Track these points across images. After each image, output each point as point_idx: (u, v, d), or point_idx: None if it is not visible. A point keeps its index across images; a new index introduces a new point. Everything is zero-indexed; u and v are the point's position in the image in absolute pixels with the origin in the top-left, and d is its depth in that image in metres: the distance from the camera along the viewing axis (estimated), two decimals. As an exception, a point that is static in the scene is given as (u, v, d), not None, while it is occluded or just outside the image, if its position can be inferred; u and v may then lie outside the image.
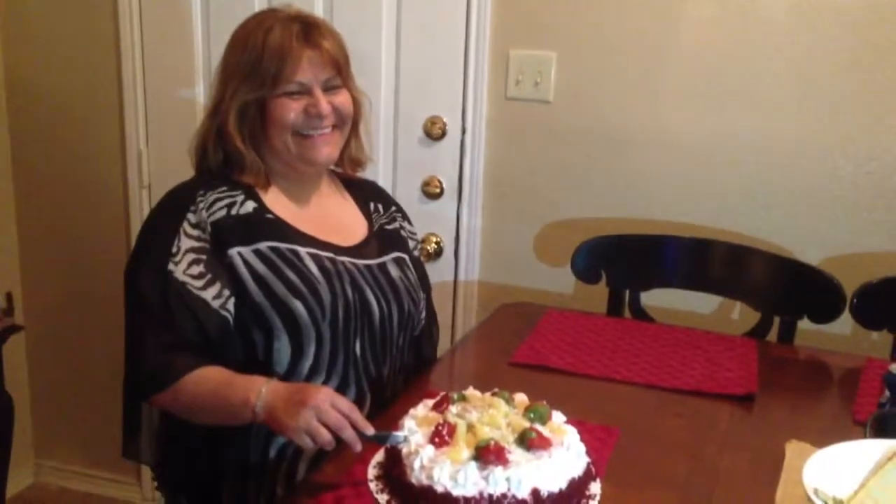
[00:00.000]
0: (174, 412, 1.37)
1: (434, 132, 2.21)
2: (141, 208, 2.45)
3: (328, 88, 1.44)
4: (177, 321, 1.32)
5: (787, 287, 1.89)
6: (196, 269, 1.35)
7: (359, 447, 1.18)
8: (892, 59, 1.89)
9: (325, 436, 1.17)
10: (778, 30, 1.95)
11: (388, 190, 1.97)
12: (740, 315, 2.04)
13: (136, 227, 2.43)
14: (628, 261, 2.01)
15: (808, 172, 1.99)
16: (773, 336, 1.87)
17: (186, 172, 1.51)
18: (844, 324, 1.82)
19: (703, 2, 1.99)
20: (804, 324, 1.85)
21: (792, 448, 1.30)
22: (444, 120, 2.21)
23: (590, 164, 2.14)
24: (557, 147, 2.15)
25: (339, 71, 1.45)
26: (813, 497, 1.04)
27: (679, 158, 2.07)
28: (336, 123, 1.46)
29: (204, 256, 1.36)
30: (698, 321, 1.97)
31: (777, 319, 1.87)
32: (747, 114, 2.01)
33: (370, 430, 1.19)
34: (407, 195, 2.21)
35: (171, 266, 1.34)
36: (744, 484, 1.24)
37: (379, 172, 2.21)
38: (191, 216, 1.38)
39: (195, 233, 1.37)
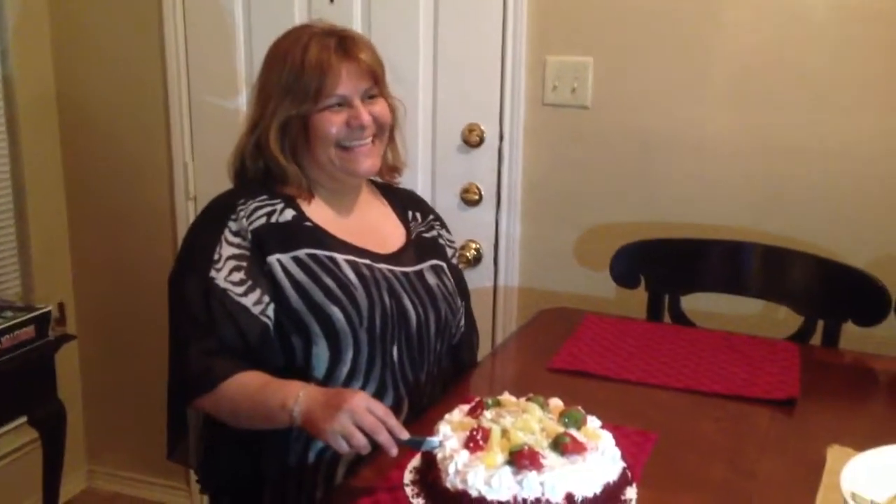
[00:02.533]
0: (216, 416, 1.40)
1: (472, 139, 2.23)
2: (187, 220, 2.51)
3: (366, 98, 1.46)
4: (218, 327, 1.35)
5: (830, 290, 1.85)
6: (237, 276, 1.38)
7: (394, 451, 1.20)
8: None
9: (361, 439, 1.19)
10: (818, 30, 1.93)
11: (427, 197, 1.99)
12: (783, 319, 2.01)
13: (182, 238, 2.49)
14: (667, 265, 2.00)
15: (850, 174, 1.96)
16: (816, 340, 1.84)
17: (231, 184, 1.55)
18: (891, 327, 1.78)
19: (741, 4, 1.97)
20: (850, 327, 1.81)
21: (833, 453, 1.28)
22: (482, 127, 2.22)
23: (628, 169, 2.13)
24: (595, 152, 2.15)
25: (376, 80, 1.48)
26: (850, 502, 1.02)
27: (718, 162, 2.05)
28: (376, 133, 1.48)
29: (244, 263, 1.39)
30: (740, 325, 1.94)
31: (821, 323, 1.84)
32: (787, 116, 1.98)
33: (405, 435, 1.21)
34: (446, 202, 2.23)
35: (212, 273, 1.37)
36: (783, 489, 1.22)
37: (418, 180, 2.23)
38: (232, 224, 1.42)
39: (236, 240, 1.41)
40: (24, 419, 2.24)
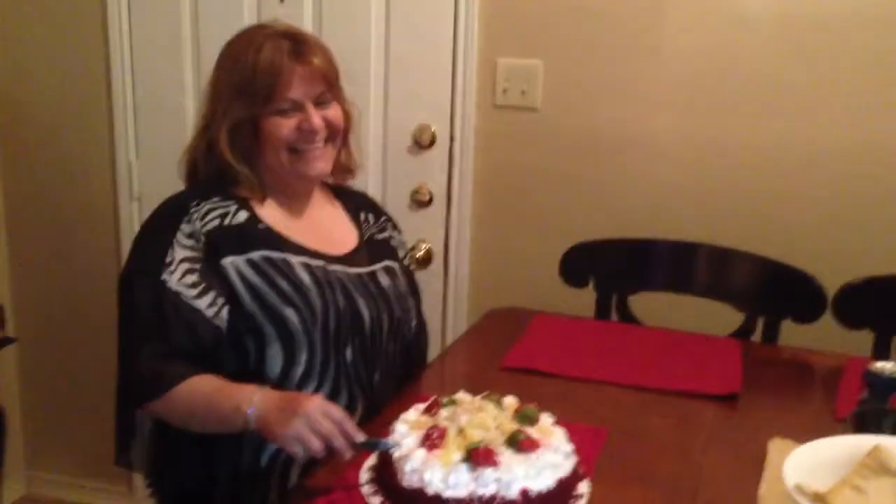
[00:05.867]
0: (167, 420, 1.38)
1: (423, 140, 2.24)
2: (131, 220, 2.47)
3: (319, 103, 1.45)
4: (170, 330, 1.34)
5: (770, 288, 1.91)
6: (190, 279, 1.37)
7: (349, 455, 1.20)
8: (869, 62, 1.94)
9: (316, 444, 1.19)
10: (762, 35, 1.99)
11: (378, 197, 1.99)
12: (725, 316, 2.06)
13: (126, 239, 2.45)
14: (615, 265, 2.04)
15: (794, 176, 2.03)
16: (757, 336, 1.90)
17: (177, 184, 1.53)
18: (827, 324, 1.85)
19: (688, 8, 2.02)
20: (788, 324, 1.88)
21: (775, 445, 1.33)
22: (433, 128, 2.23)
23: (578, 171, 2.16)
24: (545, 154, 2.18)
25: (330, 86, 1.47)
26: (794, 493, 1.06)
27: (666, 164, 2.10)
28: (328, 137, 1.48)
29: (198, 266, 1.38)
30: (685, 323, 1.99)
31: (761, 320, 1.90)
32: (733, 118, 2.04)
33: (361, 438, 1.22)
34: (396, 203, 2.24)
35: (165, 276, 1.36)
36: (728, 481, 1.27)
37: (368, 180, 2.23)
38: (185, 226, 1.40)
39: (189, 242, 1.39)
40: (-39, 424, 2.18)
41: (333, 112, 1.48)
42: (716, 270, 1.99)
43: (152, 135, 2.41)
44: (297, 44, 1.44)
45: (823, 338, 1.88)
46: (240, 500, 1.42)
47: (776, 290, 1.90)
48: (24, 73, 2.47)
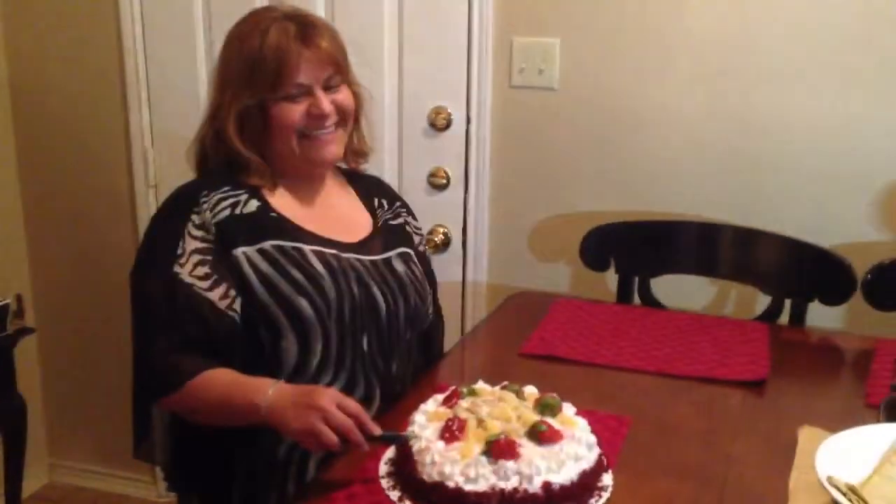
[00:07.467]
0: (183, 414, 1.37)
1: (439, 122, 2.20)
2: (148, 207, 2.45)
3: (328, 87, 1.42)
4: (184, 323, 1.32)
5: (798, 270, 1.87)
6: (202, 270, 1.34)
7: (366, 448, 1.18)
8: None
9: (332, 438, 1.17)
10: (783, 10, 1.93)
11: (394, 182, 1.97)
12: (751, 299, 2.02)
13: (143, 226, 2.42)
14: (637, 247, 2.00)
15: (818, 153, 1.97)
16: (784, 319, 1.85)
17: (192, 171, 1.51)
18: (856, 305, 1.81)
19: (707, -19, 1.97)
20: (816, 306, 1.83)
21: (804, 433, 1.29)
22: (449, 110, 2.19)
23: (597, 151, 2.12)
24: (564, 135, 2.14)
25: (338, 69, 1.44)
26: (826, 485, 1.03)
27: (688, 143, 2.05)
28: (339, 121, 1.45)
29: (210, 257, 1.36)
30: (709, 307, 1.96)
31: (788, 303, 1.85)
32: (755, 95, 1.98)
33: (377, 431, 1.19)
34: (413, 186, 2.21)
35: (176, 268, 1.34)
36: (757, 471, 1.23)
37: (384, 164, 2.20)
38: (195, 217, 1.38)
39: (200, 234, 1.37)
40: (-17, 415, 2.19)
41: (343, 95, 1.45)
42: (741, 251, 1.94)
43: (167, 122, 2.40)
44: (304, 26, 1.40)
45: (852, 319, 1.83)
46: (258, 493, 1.40)
47: (804, 271, 1.86)
48: (37, 63, 2.46)
